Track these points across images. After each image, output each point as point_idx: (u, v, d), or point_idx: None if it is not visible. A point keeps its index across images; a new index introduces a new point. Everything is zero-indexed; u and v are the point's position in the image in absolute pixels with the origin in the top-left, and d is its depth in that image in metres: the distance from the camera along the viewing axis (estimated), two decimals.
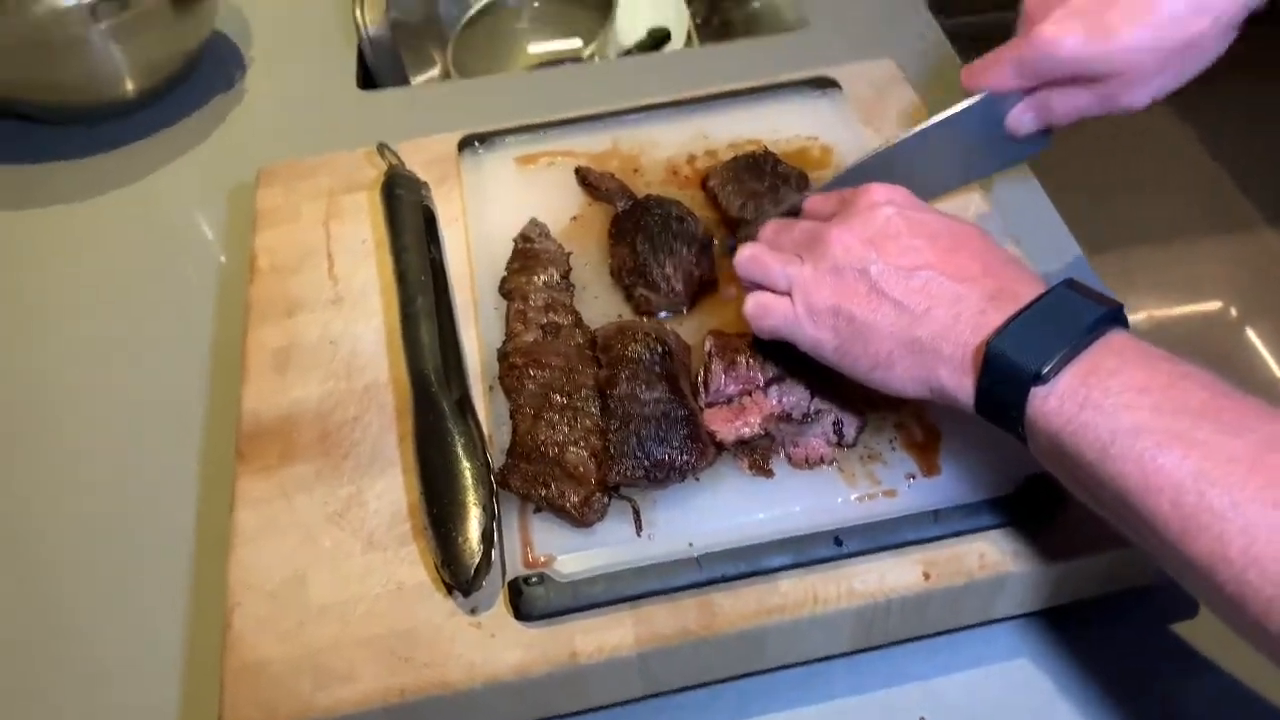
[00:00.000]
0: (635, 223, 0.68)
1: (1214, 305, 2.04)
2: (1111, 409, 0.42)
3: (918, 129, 0.64)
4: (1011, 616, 0.57)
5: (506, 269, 0.69)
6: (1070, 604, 0.57)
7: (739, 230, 0.69)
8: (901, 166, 0.65)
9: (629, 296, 0.67)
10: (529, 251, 0.69)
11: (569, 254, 0.70)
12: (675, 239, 0.66)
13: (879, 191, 0.54)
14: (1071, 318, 0.46)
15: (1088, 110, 0.60)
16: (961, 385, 0.48)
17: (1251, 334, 1.99)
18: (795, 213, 0.64)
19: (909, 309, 0.50)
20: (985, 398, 0.47)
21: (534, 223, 0.71)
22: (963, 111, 0.63)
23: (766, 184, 0.71)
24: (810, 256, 0.54)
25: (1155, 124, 2.35)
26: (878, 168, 0.65)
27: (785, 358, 0.59)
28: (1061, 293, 0.47)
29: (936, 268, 0.50)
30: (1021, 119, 0.63)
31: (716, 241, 0.70)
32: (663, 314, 0.67)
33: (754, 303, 0.56)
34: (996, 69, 0.61)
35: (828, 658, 0.57)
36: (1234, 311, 2.03)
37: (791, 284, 0.54)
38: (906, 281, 0.50)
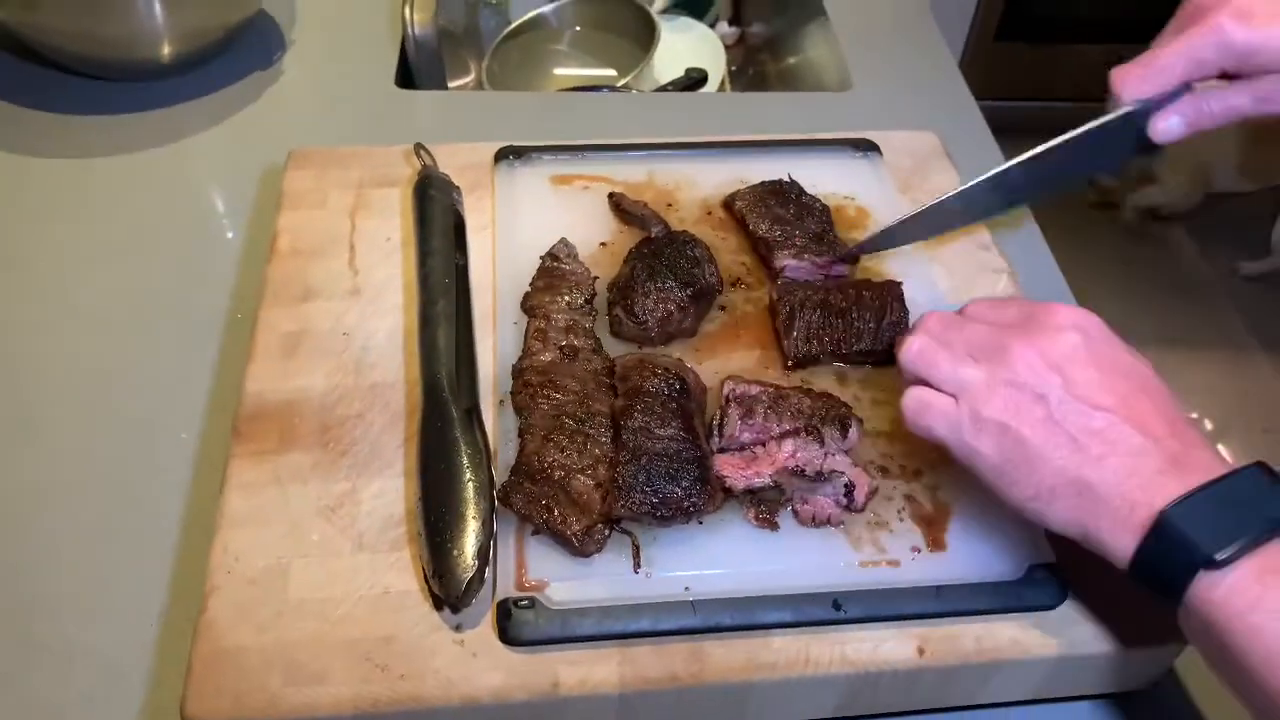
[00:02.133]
0: (653, 249, 0.68)
1: (1190, 417, 2.06)
2: None
3: (1067, 137, 0.62)
4: (999, 704, 0.56)
5: (531, 285, 0.68)
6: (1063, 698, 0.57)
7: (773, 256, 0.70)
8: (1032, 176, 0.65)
9: (609, 312, 0.67)
10: (555, 271, 0.68)
11: (595, 278, 0.69)
12: (674, 277, 0.66)
13: (1068, 314, 0.52)
14: (1258, 506, 0.44)
15: (1242, 110, 0.58)
16: (1121, 543, 0.46)
17: (1223, 450, 2.00)
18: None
19: (1084, 448, 0.48)
20: (1144, 564, 0.46)
21: (564, 242, 0.71)
22: (1110, 122, 0.61)
23: (791, 211, 0.72)
24: (986, 363, 0.51)
25: (1168, 233, 2.40)
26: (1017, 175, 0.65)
27: None
28: (1253, 476, 0.45)
29: (1119, 413, 0.48)
30: (1170, 123, 0.60)
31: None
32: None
33: (914, 398, 0.53)
34: (1161, 72, 0.58)
35: None
36: (1209, 425, 2.05)
37: (961, 388, 0.51)
38: (1087, 419, 0.48)
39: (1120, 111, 0.61)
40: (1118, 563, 0.47)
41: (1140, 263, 2.35)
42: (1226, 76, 0.58)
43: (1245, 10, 0.56)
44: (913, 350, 0.54)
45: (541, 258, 0.70)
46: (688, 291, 0.66)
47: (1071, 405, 0.48)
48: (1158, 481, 0.46)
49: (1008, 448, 0.49)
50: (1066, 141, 0.63)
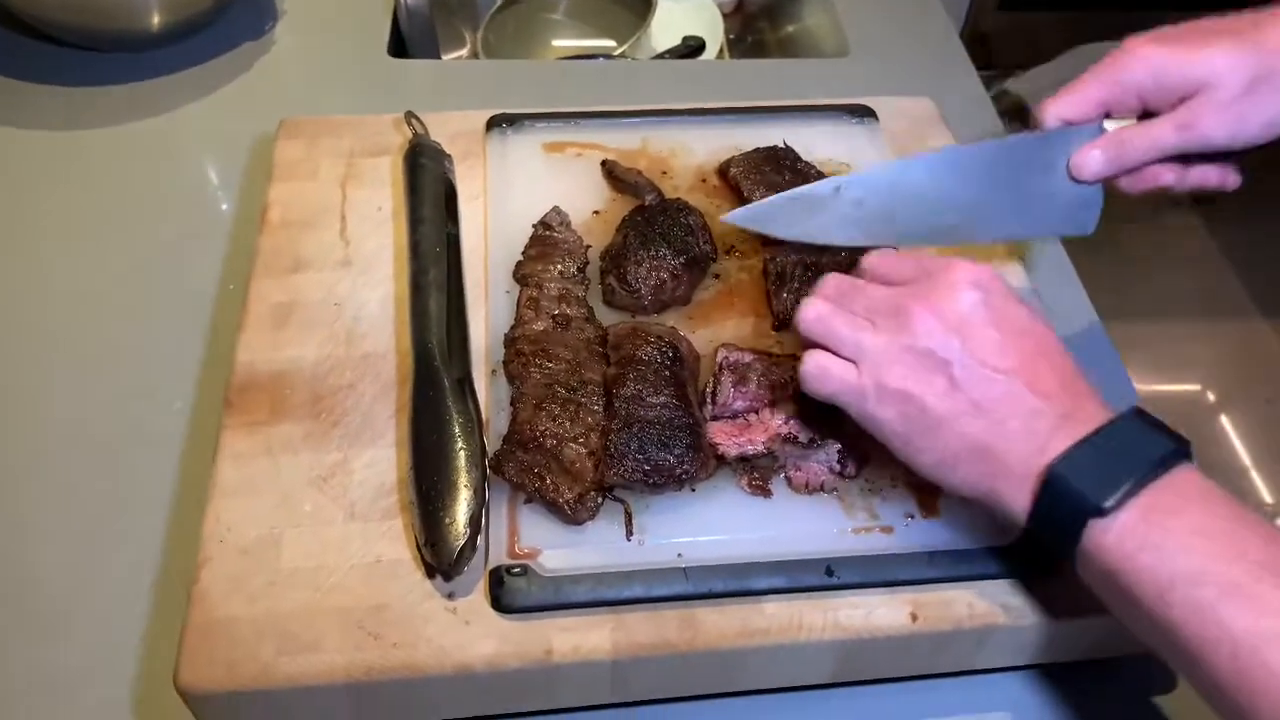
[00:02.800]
0: (647, 217, 0.68)
1: (1193, 388, 2.05)
2: (1171, 552, 0.42)
3: (975, 145, 0.61)
4: (993, 669, 0.56)
5: (523, 254, 0.68)
6: (1056, 663, 0.57)
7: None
8: (946, 188, 0.61)
9: (602, 281, 0.67)
10: (548, 239, 0.68)
11: (588, 247, 0.68)
12: (667, 244, 0.65)
13: (965, 270, 0.51)
14: (1137, 451, 0.45)
15: (1165, 142, 0.58)
16: (1018, 501, 0.47)
17: (1225, 421, 2.00)
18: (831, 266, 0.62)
19: (986, 413, 0.48)
20: (1041, 520, 0.47)
21: (556, 211, 0.70)
22: (1029, 139, 0.60)
23: (787, 177, 0.72)
24: (885, 327, 0.51)
25: (1166, 207, 2.39)
26: (922, 176, 0.61)
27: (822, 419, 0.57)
28: (1129, 423, 0.46)
29: (1020, 375, 0.48)
30: (1089, 157, 0.59)
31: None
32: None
33: (814, 364, 0.52)
34: (1078, 93, 0.59)
35: (802, 687, 0.56)
36: (1211, 396, 2.04)
37: (861, 354, 0.51)
38: (988, 386, 0.48)
39: (1042, 132, 0.60)
40: (1018, 522, 0.48)
41: (1140, 233, 2.34)
42: (1148, 116, 0.59)
43: (1159, 35, 0.58)
44: (809, 316, 0.53)
45: (534, 226, 0.69)
46: (681, 259, 0.65)
47: (974, 370, 0.48)
48: (1050, 440, 0.47)
49: (912, 416, 0.49)
50: (999, 145, 0.60)
